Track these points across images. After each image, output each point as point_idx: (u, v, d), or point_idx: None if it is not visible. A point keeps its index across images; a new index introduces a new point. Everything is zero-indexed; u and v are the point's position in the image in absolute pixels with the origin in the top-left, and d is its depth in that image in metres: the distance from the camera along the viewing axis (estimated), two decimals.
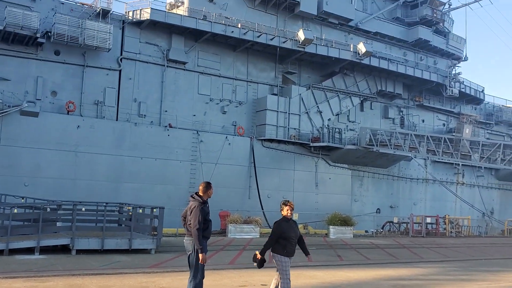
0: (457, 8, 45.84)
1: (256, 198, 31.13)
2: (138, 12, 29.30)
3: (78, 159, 26.27)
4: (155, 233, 16.42)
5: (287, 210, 7.86)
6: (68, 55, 27.21)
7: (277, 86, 35.28)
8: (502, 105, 50.97)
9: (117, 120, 28.45)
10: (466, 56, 47.79)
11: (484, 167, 43.20)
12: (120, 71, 29.05)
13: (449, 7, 45.87)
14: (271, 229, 8.20)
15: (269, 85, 35.05)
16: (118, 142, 27.63)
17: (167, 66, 30.69)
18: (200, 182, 7.95)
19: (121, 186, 27.23)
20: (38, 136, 25.32)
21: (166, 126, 29.59)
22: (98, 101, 28.06)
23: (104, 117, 27.90)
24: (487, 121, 49.11)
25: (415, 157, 39.21)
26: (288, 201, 8.02)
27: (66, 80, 27.30)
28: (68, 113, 26.56)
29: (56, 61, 27.01)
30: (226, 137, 31.33)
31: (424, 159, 40.43)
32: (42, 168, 25.32)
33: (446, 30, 45.87)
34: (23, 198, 18.82)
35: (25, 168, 24.85)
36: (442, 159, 38.80)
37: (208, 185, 7.73)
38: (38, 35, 25.08)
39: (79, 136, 26.40)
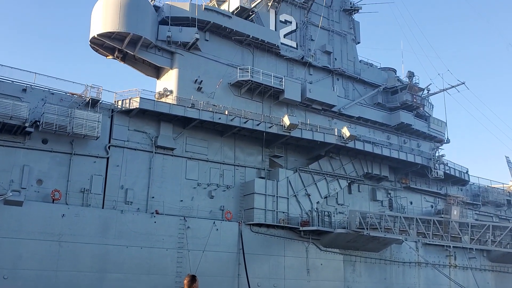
0: (435, 93, 47.74)
1: (246, 287, 30.00)
2: (128, 101, 29.98)
3: (62, 249, 25.41)
4: None
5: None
6: (56, 143, 27.33)
7: (264, 169, 35.49)
8: (488, 186, 51.56)
9: (103, 207, 27.99)
10: (448, 138, 49.06)
11: (476, 249, 42.67)
12: (107, 158, 29.10)
13: (427, 92, 47.80)
14: None
15: (256, 168, 35.25)
16: (103, 231, 26.94)
17: (155, 152, 30.88)
18: (186, 275, 7.63)
19: (105, 277, 26.16)
20: (21, 226, 24.64)
21: (152, 213, 29.13)
22: (84, 189, 27.77)
23: (90, 205, 27.47)
24: (474, 202, 49.33)
25: (406, 240, 38.71)
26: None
27: (53, 169, 27.18)
28: (53, 202, 26.10)
29: (43, 150, 27.05)
30: (214, 223, 30.81)
31: (415, 241, 39.92)
32: (24, 259, 24.35)
33: (427, 114, 47.45)
34: None
35: (5, 260, 23.88)
36: (433, 242, 38.34)
37: (193, 279, 7.42)
38: (26, 124, 25.32)
39: (64, 225, 25.75)
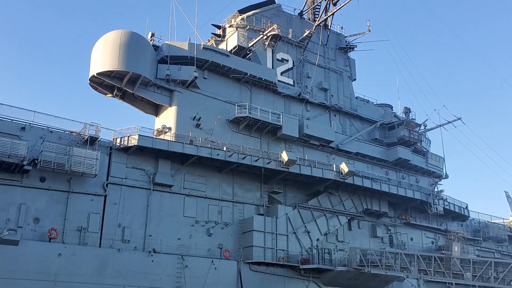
0: (432, 129, 48.09)
1: None
2: (126, 138, 30.07)
3: None
4: None
5: None
6: (53, 181, 27.20)
7: (263, 206, 35.25)
8: (488, 221, 51.22)
9: (100, 246, 27.60)
10: (446, 174, 49.09)
11: (478, 286, 41.91)
12: (105, 196, 28.92)
13: (424, 128, 48.15)
14: None
15: (255, 205, 35.02)
16: (100, 270, 26.46)
17: (153, 189, 30.73)
18: None
19: None
20: (17, 266, 24.20)
21: (150, 252, 28.71)
22: (81, 227, 27.47)
23: (87, 243, 27.10)
24: (475, 238, 48.88)
25: (407, 277, 38.06)
26: None
27: (50, 207, 26.94)
28: (49, 241, 25.74)
29: (41, 188, 26.89)
30: (212, 261, 30.32)
31: (417, 279, 39.26)
32: None
33: (425, 150, 47.66)
34: None
35: None
36: (435, 279, 37.70)
37: None
38: (25, 162, 25.28)
39: (60, 265, 25.31)
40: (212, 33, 42.70)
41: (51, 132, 28.01)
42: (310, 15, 46.88)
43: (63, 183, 27.54)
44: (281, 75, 40.70)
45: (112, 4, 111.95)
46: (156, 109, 36.12)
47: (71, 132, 28.60)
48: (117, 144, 29.92)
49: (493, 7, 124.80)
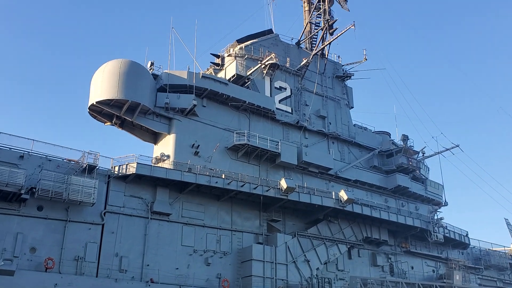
0: (430, 156, 48.18)
1: None
2: (124, 166, 29.98)
3: None
4: None
5: None
6: (51, 210, 26.96)
7: (262, 234, 34.89)
8: (489, 249, 50.76)
9: (97, 276, 27.14)
10: (445, 201, 48.95)
11: None
12: (103, 225, 28.64)
13: (423, 155, 48.24)
14: None
15: (254, 233, 34.67)
16: None
17: (151, 218, 30.46)
18: None
19: None
20: None
21: (147, 282, 28.22)
22: (78, 256, 27.08)
23: (83, 273, 26.66)
24: (476, 266, 48.35)
25: None
26: None
27: (47, 236, 26.60)
28: (46, 271, 25.32)
29: (38, 217, 26.60)
30: None
31: None
32: None
33: (423, 177, 47.61)
34: None
35: None
36: None
37: None
38: (22, 191, 25.11)
39: None
40: (211, 62, 43.19)
41: (50, 160, 27.92)
42: (307, 44, 47.56)
43: (60, 212, 27.29)
44: (279, 103, 40.99)
45: (113, 34, 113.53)
46: (154, 137, 36.17)
47: (70, 160, 28.51)
48: (115, 172, 29.81)
49: (489, 36, 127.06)
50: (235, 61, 40.48)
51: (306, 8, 49.54)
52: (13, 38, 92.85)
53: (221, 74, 41.34)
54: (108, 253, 28.25)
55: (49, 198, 25.96)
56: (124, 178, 30.05)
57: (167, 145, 34.53)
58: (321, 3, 46.25)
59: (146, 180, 30.68)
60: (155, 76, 35.50)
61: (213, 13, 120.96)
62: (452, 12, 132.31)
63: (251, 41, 42.07)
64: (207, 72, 40.92)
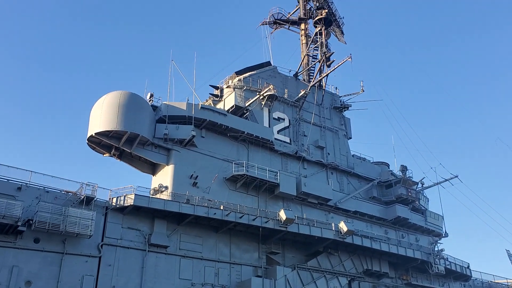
0: (430, 187, 48.06)
1: None
2: (122, 198, 29.74)
3: None
4: None
5: None
6: (48, 242, 26.55)
7: (261, 267, 34.36)
8: (491, 281, 50.07)
9: None
10: (446, 232, 48.56)
11: None
12: (100, 257, 28.20)
13: (422, 186, 48.12)
14: None
15: (253, 266, 34.15)
16: None
17: (148, 251, 30.02)
18: None
19: None
20: None
21: None
22: None
23: None
24: None
25: None
26: None
27: (43, 269, 26.10)
28: None
29: (34, 249, 26.18)
30: None
31: None
32: None
33: (423, 208, 47.36)
34: None
35: None
36: None
37: None
38: (19, 223, 24.81)
39: None
40: (210, 94, 43.55)
41: (47, 192, 27.69)
42: (305, 76, 48.09)
43: (57, 244, 26.88)
44: (277, 133, 41.12)
45: (113, 66, 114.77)
46: (153, 168, 36.07)
47: (68, 192, 28.29)
48: (113, 204, 29.55)
49: (485, 66, 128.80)
50: (234, 92, 40.82)
51: (304, 41, 50.33)
52: (13, 66, 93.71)
53: (220, 105, 41.60)
54: (105, 286, 27.70)
55: (46, 230, 25.64)
56: (122, 209, 29.77)
57: (165, 176, 34.40)
58: (318, 36, 47.00)
59: (144, 212, 30.40)
60: (154, 108, 35.69)
61: (212, 45, 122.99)
62: (450, 43, 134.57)
63: (250, 73, 42.54)
64: (206, 103, 41.16)
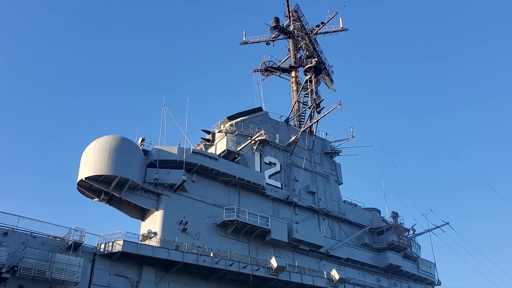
0: (421, 233, 47.80)
1: None
2: (110, 244, 29.12)
3: None
4: None
5: None
6: None
7: None
8: None
9: None
10: (438, 280, 47.90)
11: None
12: None
13: (413, 232, 47.82)
14: None
15: None
16: None
17: None
18: None
19: None
20: None
21: None
22: None
23: None
24: None
25: None
26: None
27: None
28: None
29: None
30: None
31: None
32: None
33: (415, 255, 46.86)
34: None
35: None
36: None
37: None
38: (3, 270, 24.07)
39: None
40: (202, 138, 43.66)
41: (35, 237, 27.01)
42: (295, 121, 48.61)
43: None
44: (269, 178, 41.05)
45: (105, 110, 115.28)
46: (142, 213, 35.58)
47: (55, 237, 27.64)
48: (101, 250, 28.89)
49: (474, 109, 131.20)
50: (225, 137, 40.98)
51: (294, 88, 51.22)
52: (4, 108, 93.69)
53: (211, 150, 41.64)
54: None
55: (31, 277, 24.86)
56: (110, 256, 29.09)
57: (154, 222, 33.89)
58: (308, 83, 47.95)
59: (132, 258, 29.72)
60: (145, 152, 35.60)
61: (205, 91, 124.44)
62: (439, 88, 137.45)
63: (242, 118, 42.90)
64: (198, 148, 41.20)
